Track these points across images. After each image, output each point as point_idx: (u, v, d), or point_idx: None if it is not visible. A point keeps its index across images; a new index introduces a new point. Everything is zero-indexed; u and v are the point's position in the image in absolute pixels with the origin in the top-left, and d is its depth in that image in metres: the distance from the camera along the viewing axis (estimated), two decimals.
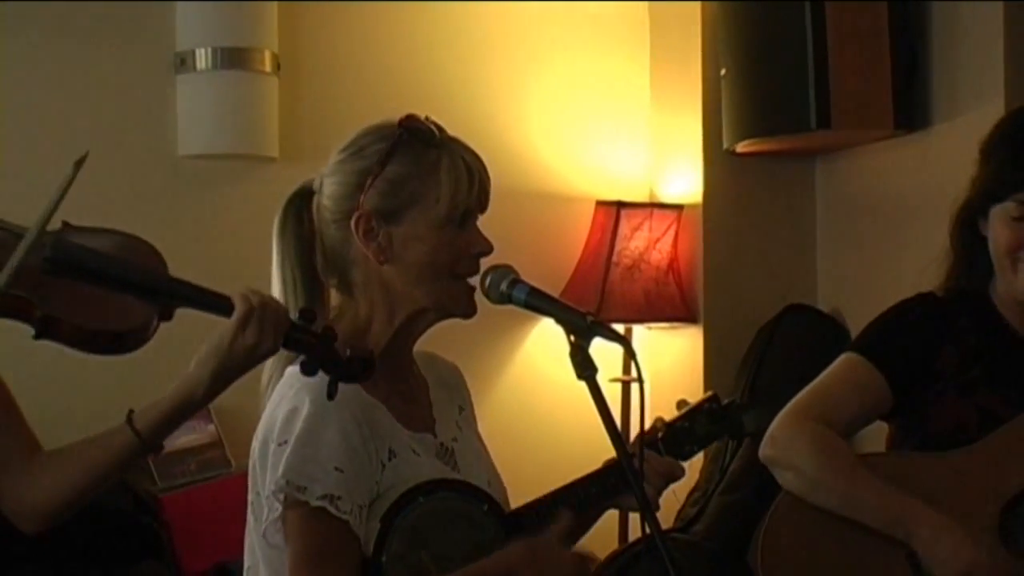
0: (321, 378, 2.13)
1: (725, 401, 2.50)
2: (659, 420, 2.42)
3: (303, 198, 2.30)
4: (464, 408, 2.42)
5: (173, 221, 4.28)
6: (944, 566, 2.56)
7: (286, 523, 2.15)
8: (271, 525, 2.16)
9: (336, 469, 2.12)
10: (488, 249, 2.25)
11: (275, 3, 4.47)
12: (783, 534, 2.67)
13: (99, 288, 2.13)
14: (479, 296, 2.26)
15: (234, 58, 4.37)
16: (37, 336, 2.14)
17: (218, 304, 2.13)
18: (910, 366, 2.70)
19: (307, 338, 2.12)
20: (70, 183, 2.11)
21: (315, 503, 2.11)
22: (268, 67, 4.42)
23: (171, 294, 2.16)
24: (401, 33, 4.69)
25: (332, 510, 2.11)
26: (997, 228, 2.65)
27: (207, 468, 4.27)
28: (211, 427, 4.30)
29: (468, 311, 2.26)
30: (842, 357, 2.77)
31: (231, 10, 4.39)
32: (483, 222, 2.29)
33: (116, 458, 2.19)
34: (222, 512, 3.73)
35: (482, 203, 2.26)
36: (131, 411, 2.18)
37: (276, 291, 2.28)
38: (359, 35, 4.66)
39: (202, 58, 4.36)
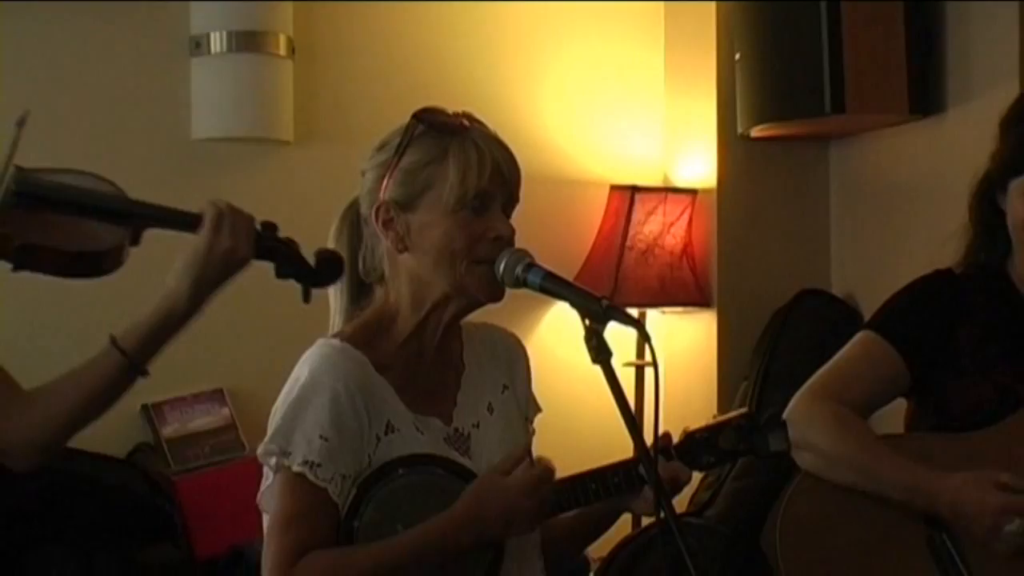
0: (324, 348, 2.20)
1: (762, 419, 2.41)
2: (684, 430, 2.37)
3: (357, 207, 2.34)
4: (510, 386, 2.42)
5: (187, 205, 4.25)
6: (975, 519, 2.55)
7: (273, 487, 2.20)
8: (266, 492, 2.21)
9: (321, 437, 2.15)
10: (506, 233, 2.24)
11: None
12: (801, 515, 2.67)
13: (70, 215, 2.18)
14: None
15: (249, 42, 4.36)
16: (16, 268, 2.15)
17: (185, 220, 2.22)
18: (927, 343, 2.70)
19: (274, 244, 2.21)
20: (15, 143, 2.17)
21: (296, 468, 2.15)
22: (283, 51, 4.42)
23: (140, 214, 2.21)
24: (416, 17, 4.69)
25: (311, 477, 2.15)
26: (1015, 202, 2.65)
27: (221, 451, 4.28)
28: (225, 410, 4.31)
29: (491, 295, 2.27)
30: (859, 335, 2.77)
31: None
32: None
33: (106, 381, 2.19)
34: (236, 495, 3.72)
35: (505, 189, 2.25)
36: (112, 335, 2.18)
37: (332, 298, 2.34)
38: (374, 19, 4.65)
39: (217, 41, 4.36)
